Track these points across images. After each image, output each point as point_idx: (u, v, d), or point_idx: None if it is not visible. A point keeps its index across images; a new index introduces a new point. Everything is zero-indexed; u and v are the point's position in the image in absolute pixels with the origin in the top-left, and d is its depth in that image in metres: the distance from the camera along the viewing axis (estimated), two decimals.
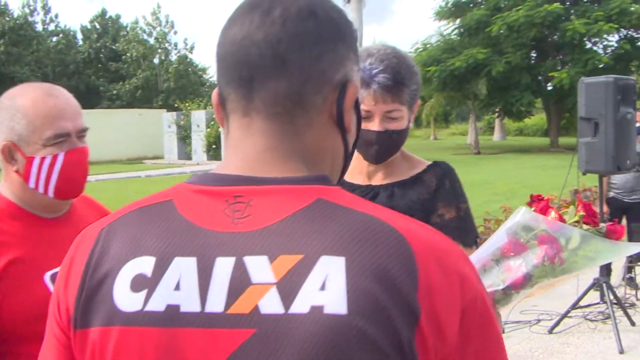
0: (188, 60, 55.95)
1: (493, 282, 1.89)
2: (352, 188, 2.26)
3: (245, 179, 1.01)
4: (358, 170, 2.31)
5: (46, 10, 54.37)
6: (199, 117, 34.07)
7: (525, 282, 1.86)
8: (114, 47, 54.68)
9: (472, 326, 0.95)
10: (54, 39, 54.45)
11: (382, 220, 0.97)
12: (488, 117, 55.81)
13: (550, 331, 6.26)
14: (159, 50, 55.14)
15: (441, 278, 0.94)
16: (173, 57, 56.03)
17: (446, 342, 0.93)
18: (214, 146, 32.56)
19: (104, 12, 57.75)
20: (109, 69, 54.48)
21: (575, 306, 6.47)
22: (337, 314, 0.89)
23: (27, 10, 52.59)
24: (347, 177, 2.26)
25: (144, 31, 54.95)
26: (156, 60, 54.95)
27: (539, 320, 6.54)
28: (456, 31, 36.75)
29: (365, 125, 2.12)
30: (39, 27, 53.38)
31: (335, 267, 0.91)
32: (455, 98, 36.61)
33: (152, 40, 55.06)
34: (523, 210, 1.93)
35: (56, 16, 62.53)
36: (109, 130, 37.88)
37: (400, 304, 0.90)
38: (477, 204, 13.25)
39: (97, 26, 57.07)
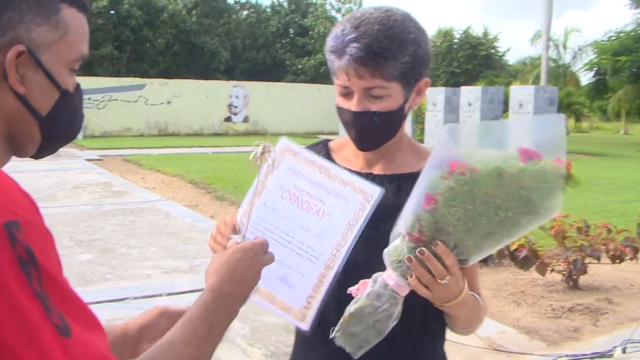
0: None
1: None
2: None
3: None
4: (355, 156, 1.98)
5: None
6: None
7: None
8: (302, 23, 55.50)
9: None
10: (245, 12, 55.95)
11: None
12: None
13: None
14: None
15: None
16: None
17: None
18: None
19: None
20: (296, 43, 55.39)
21: None
22: None
23: None
24: (343, 162, 1.96)
25: (333, 7, 55.47)
26: None
27: None
28: None
29: (345, 104, 1.81)
30: (230, 0, 54.99)
31: None
32: None
33: (339, 17, 55.44)
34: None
35: None
36: (289, 104, 38.76)
37: None
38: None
39: (287, 2, 58.09)
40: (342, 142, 2.04)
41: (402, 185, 1.87)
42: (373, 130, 1.82)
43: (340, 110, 1.83)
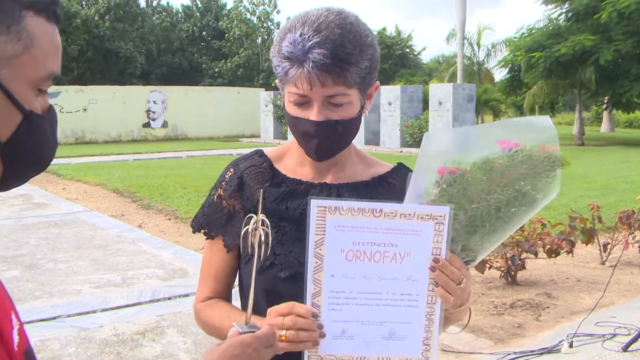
0: None
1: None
2: (304, 187, 1.84)
3: None
4: (301, 165, 1.87)
5: None
6: None
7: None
8: (217, 26, 55.09)
9: None
10: (158, 16, 55.17)
11: None
12: (596, 107, 53.95)
13: (625, 349, 5.53)
14: (262, 30, 55.22)
15: None
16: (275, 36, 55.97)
17: None
18: None
19: None
20: (212, 47, 55.02)
21: None
22: None
23: None
24: (288, 173, 1.86)
25: (248, 10, 55.18)
26: (259, 40, 55.07)
27: (614, 335, 5.85)
28: (563, 16, 35.32)
29: (302, 114, 1.69)
30: (143, 4, 54.16)
31: None
32: (560, 86, 35.24)
33: (255, 20, 55.25)
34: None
35: None
36: (209, 108, 38.48)
37: None
38: (570, 199, 12.52)
39: (199, 4, 57.52)
40: (281, 150, 1.95)
41: (361, 193, 1.81)
42: (334, 140, 1.74)
43: (297, 121, 1.71)
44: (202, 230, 1.92)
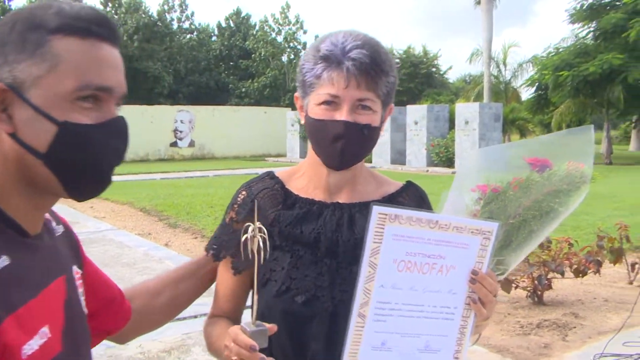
0: None
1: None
2: (317, 207, 1.83)
3: None
4: (313, 185, 1.86)
5: (183, 8, 55.48)
6: None
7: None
8: (244, 46, 55.37)
9: None
10: (188, 36, 55.62)
11: None
12: (625, 126, 53.56)
13: None
14: (288, 50, 55.45)
15: None
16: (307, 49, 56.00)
17: None
18: None
19: (238, 11, 58.38)
20: (239, 66, 55.30)
21: None
22: None
23: (165, 7, 53.88)
24: (301, 193, 1.86)
25: (273, 29, 55.37)
26: (285, 59, 55.27)
27: None
28: (591, 35, 35.11)
29: (329, 115, 1.70)
30: (175, 24, 54.53)
31: None
32: (588, 105, 35.02)
33: (280, 39, 55.47)
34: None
35: (192, 14, 62.83)
36: (235, 127, 38.63)
37: None
38: (598, 219, 12.42)
39: (232, 24, 57.92)
40: (291, 171, 1.96)
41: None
42: (359, 145, 1.74)
43: (322, 124, 1.72)
44: (211, 252, 1.93)
